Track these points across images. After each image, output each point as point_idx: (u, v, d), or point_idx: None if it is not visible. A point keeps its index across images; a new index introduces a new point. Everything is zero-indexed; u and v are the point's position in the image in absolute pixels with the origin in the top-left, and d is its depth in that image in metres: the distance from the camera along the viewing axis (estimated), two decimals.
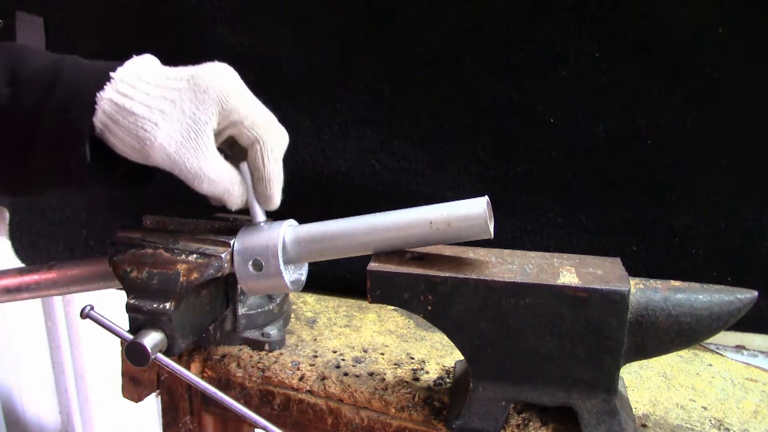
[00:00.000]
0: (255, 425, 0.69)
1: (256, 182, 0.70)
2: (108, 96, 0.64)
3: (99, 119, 0.65)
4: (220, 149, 0.69)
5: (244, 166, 0.71)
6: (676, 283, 0.64)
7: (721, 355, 0.87)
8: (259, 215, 0.72)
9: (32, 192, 0.75)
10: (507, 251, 0.69)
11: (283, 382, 0.78)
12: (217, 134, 0.68)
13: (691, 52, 0.83)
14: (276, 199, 0.70)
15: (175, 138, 0.65)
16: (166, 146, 0.65)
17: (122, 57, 0.67)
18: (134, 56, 0.68)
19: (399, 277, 0.64)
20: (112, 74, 0.65)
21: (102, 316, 0.70)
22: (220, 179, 0.67)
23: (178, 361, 0.80)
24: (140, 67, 0.67)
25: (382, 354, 0.83)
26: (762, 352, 0.88)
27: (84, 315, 0.70)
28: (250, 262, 0.69)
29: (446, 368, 0.79)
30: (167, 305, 0.68)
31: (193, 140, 0.65)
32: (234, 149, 0.72)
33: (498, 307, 0.63)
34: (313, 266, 0.76)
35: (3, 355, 1.87)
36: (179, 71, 0.68)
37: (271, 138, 0.68)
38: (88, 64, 0.68)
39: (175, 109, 0.65)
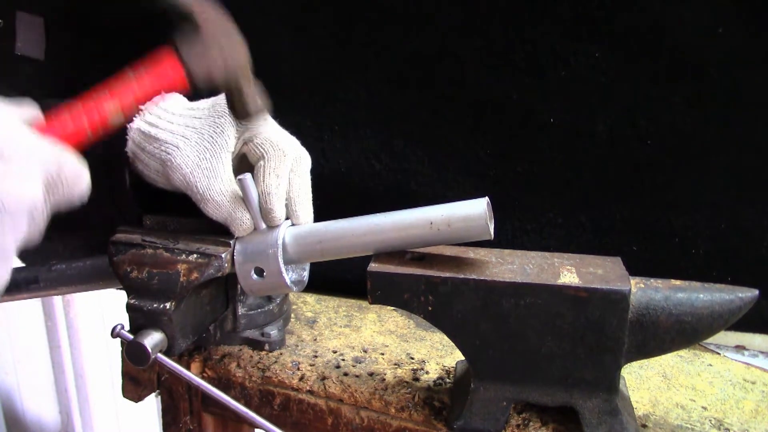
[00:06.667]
0: (255, 425, 0.69)
1: (259, 196, 0.70)
2: (137, 126, 0.70)
3: (130, 149, 0.71)
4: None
5: (247, 179, 0.69)
6: (677, 282, 0.64)
7: (721, 355, 0.87)
8: (260, 226, 0.71)
9: (85, 223, 0.79)
10: (507, 251, 0.69)
11: (283, 382, 0.78)
12: (234, 157, 0.70)
13: (691, 52, 0.83)
14: (275, 213, 0.69)
15: (192, 159, 0.68)
16: (183, 167, 0.68)
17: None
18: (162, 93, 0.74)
19: (399, 277, 0.64)
20: (141, 107, 0.70)
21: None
22: (225, 204, 0.68)
23: (178, 361, 0.80)
24: (166, 102, 0.72)
25: (382, 354, 0.83)
26: (762, 352, 0.88)
27: (115, 335, 0.70)
28: (251, 263, 0.69)
29: (446, 368, 0.79)
30: (167, 305, 0.68)
31: (207, 161, 0.68)
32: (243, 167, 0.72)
33: (498, 307, 0.63)
34: (313, 266, 0.76)
35: (3, 355, 1.86)
36: (202, 102, 0.72)
37: (276, 155, 0.69)
38: None
39: (196, 134, 0.69)
